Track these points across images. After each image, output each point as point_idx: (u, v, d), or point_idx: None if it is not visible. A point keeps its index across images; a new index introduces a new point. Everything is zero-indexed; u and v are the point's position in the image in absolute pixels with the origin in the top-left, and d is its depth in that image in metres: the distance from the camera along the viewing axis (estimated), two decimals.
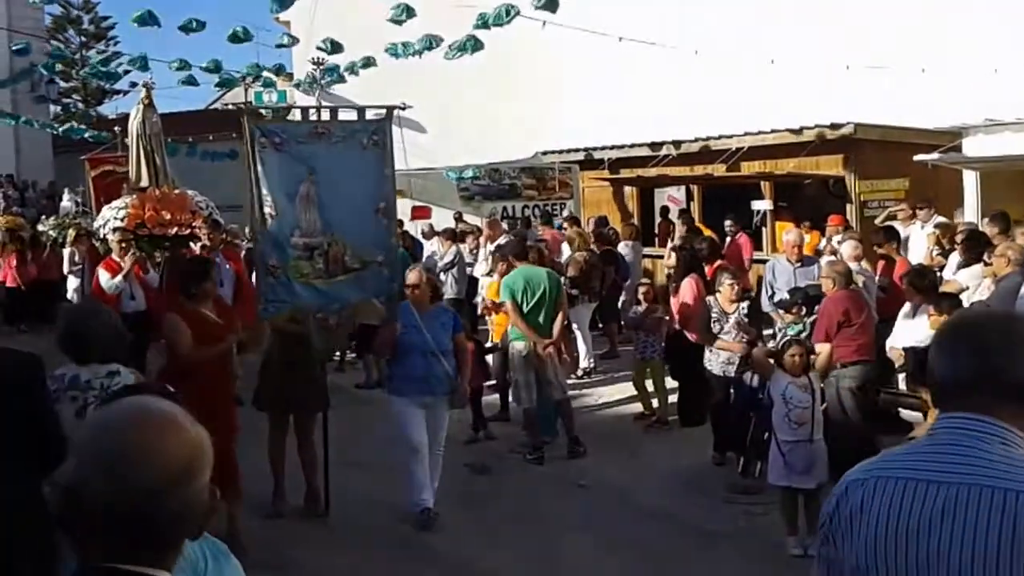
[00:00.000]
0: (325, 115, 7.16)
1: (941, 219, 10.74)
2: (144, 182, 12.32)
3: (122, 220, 11.64)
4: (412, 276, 7.07)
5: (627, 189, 17.33)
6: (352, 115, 7.20)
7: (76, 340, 4.36)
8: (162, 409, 1.67)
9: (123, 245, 10.49)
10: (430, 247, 15.02)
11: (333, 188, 6.76)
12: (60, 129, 25.04)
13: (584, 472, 8.12)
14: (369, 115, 7.20)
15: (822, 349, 7.49)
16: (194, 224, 11.82)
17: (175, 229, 11.69)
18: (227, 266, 10.73)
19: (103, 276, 10.27)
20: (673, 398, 9.56)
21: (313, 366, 7.14)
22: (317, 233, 6.74)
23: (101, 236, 11.99)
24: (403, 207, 19.35)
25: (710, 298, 8.54)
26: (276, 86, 23.52)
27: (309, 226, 6.71)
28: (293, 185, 6.65)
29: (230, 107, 27.06)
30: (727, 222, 13.23)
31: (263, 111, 6.89)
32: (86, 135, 22.30)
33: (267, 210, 6.61)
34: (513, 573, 6.08)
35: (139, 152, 12.47)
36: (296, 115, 6.99)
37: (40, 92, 30.77)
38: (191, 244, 11.75)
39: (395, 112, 7.28)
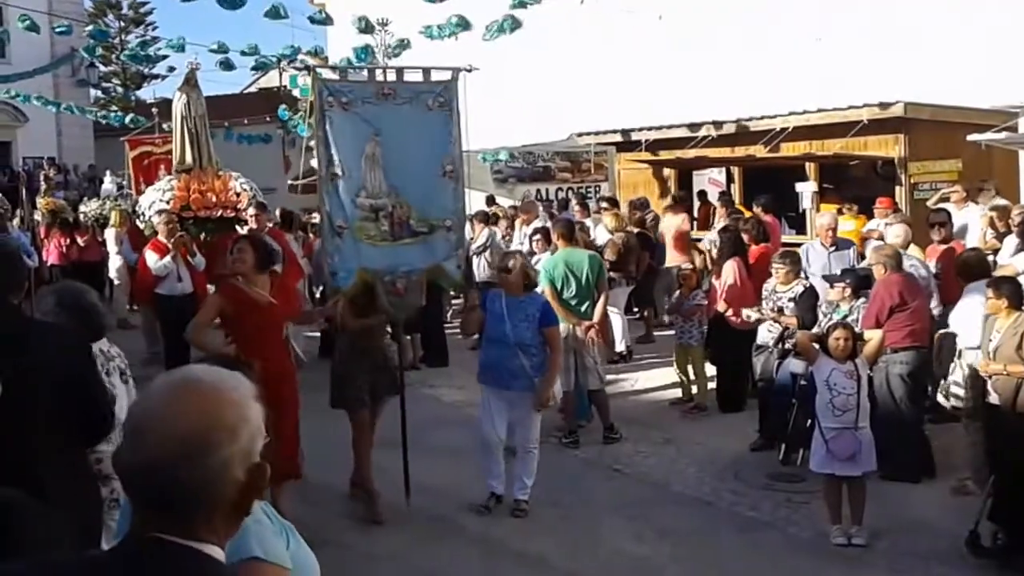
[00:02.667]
0: (391, 76, 7.00)
1: (1001, 201, 10.34)
2: (188, 163, 12.26)
3: (168, 202, 11.66)
4: (508, 260, 6.85)
5: (666, 171, 17.05)
6: (418, 76, 7.01)
7: (89, 315, 4.36)
8: (196, 379, 1.64)
9: (169, 227, 10.52)
10: None
11: (398, 150, 6.66)
12: (100, 115, 25.32)
13: (619, 457, 7.98)
14: (435, 76, 7.00)
15: (872, 335, 7.23)
16: (239, 206, 11.78)
17: (220, 212, 11.67)
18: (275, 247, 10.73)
19: (150, 257, 10.30)
20: (712, 384, 9.41)
21: (383, 351, 6.92)
22: (382, 194, 6.63)
23: (147, 217, 11.97)
24: None
25: (771, 279, 8.44)
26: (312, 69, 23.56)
27: (374, 187, 6.61)
28: (359, 145, 6.57)
29: (273, 89, 27.18)
30: (755, 205, 12.92)
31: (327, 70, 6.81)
32: (126, 120, 22.53)
33: (335, 170, 6.53)
34: (558, 559, 5.96)
35: (183, 133, 12.40)
36: (362, 76, 6.94)
37: (81, 76, 31.13)
38: (237, 227, 11.59)
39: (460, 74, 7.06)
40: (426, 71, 7.00)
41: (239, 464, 1.58)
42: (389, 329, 7.15)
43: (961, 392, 7.20)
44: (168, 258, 10.20)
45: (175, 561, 1.54)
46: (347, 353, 6.78)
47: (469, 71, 6.87)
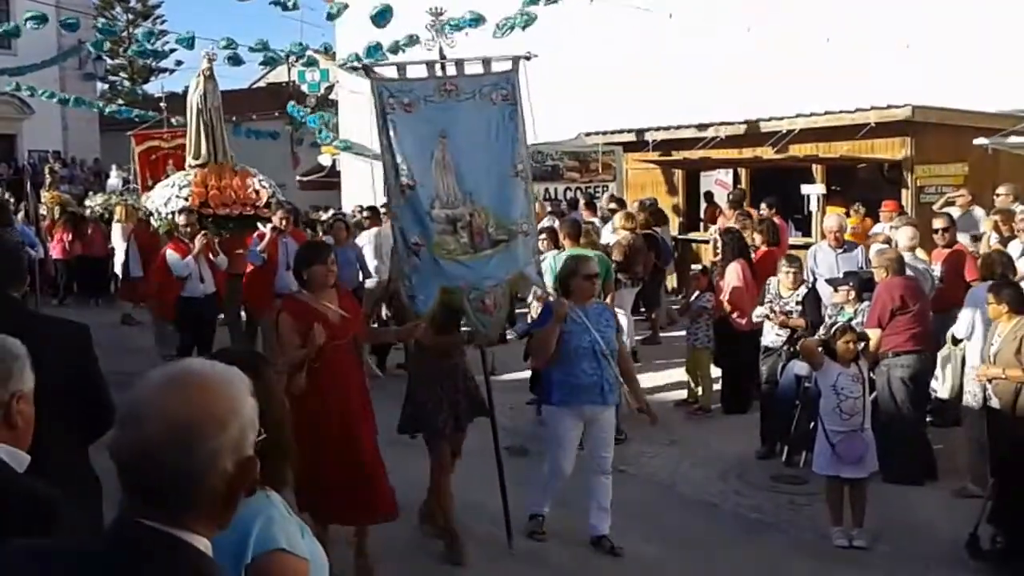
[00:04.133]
0: (450, 70, 6.25)
1: (1013, 206, 10.34)
2: (203, 158, 11.91)
3: (186, 199, 11.24)
4: (592, 264, 6.27)
5: (676, 172, 17.07)
6: (478, 68, 6.31)
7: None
8: (191, 370, 1.69)
9: (189, 229, 10.14)
10: None
11: (468, 151, 6.03)
12: (107, 109, 25.35)
13: (625, 458, 8.00)
14: (495, 67, 6.34)
15: (872, 335, 7.29)
16: (258, 204, 11.43)
17: (239, 210, 11.30)
18: (296, 248, 10.62)
19: (172, 257, 9.94)
20: (717, 386, 9.44)
21: (464, 370, 6.15)
22: (457, 203, 5.98)
23: (163, 215, 11.50)
24: None
25: (772, 279, 8.40)
26: (319, 65, 23.56)
27: (448, 195, 5.96)
28: (427, 150, 5.94)
29: (282, 84, 27.19)
30: (763, 205, 12.94)
31: (378, 68, 6.15)
32: (132, 115, 22.54)
33: (403, 180, 5.87)
34: (560, 559, 5.99)
35: (198, 126, 12.02)
36: (420, 72, 6.07)
37: (88, 70, 31.12)
38: (258, 225, 11.29)
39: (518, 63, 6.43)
40: (486, 62, 6.33)
41: (228, 456, 1.59)
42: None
43: (941, 379, 7.30)
44: (190, 258, 9.86)
45: (156, 547, 1.57)
46: (423, 374, 6.06)
47: (528, 59, 6.30)
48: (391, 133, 5.84)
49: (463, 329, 6.20)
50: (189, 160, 12.18)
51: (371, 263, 11.67)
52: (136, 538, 1.59)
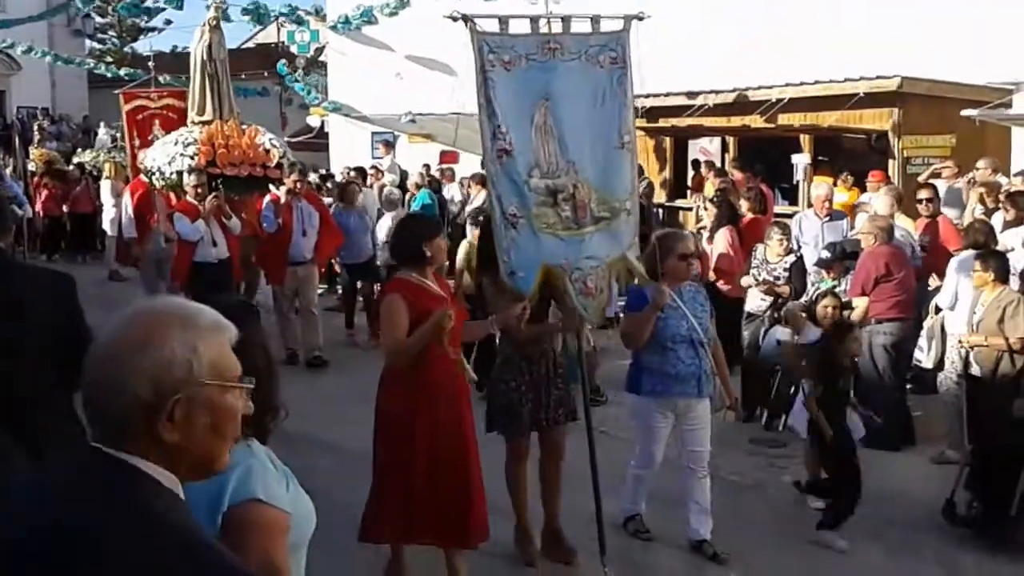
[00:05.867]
0: (556, 26, 5.61)
1: (997, 178, 10.39)
2: (208, 115, 11.31)
3: (192, 157, 10.54)
4: (689, 243, 5.79)
5: (665, 139, 17.03)
6: (585, 26, 5.73)
7: None
8: (140, 304, 1.74)
9: (199, 190, 9.51)
10: (449, 192, 14.91)
11: (571, 117, 5.44)
12: (96, 67, 25.12)
13: (604, 420, 8.04)
14: (604, 27, 5.74)
15: (859, 303, 7.34)
16: (268, 165, 10.79)
17: (248, 171, 10.61)
18: (312, 211, 10.21)
19: (181, 221, 9.37)
20: None
21: (554, 362, 5.57)
22: (560, 172, 5.38)
23: (167, 174, 10.76)
24: (432, 151, 19.34)
25: (759, 246, 8.42)
26: (308, 25, 23.38)
27: (550, 164, 5.36)
28: (527, 113, 5.35)
29: (271, 44, 27.02)
30: (747, 175, 12.92)
31: (479, 20, 5.33)
32: (121, 73, 22.37)
33: (500, 144, 5.29)
34: (540, 517, 5.87)
35: (203, 80, 11.40)
36: (523, 26, 5.49)
37: (76, 27, 30.83)
38: (270, 188, 10.80)
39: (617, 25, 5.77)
40: (595, 20, 5.73)
41: (142, 382, 1.60)
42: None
43: (926, 349, 7.37)
44: (200, 221, 9.28)
45: (103, 466, 1.62)
46: (509, 365, 5.46)
47: (641, 19, 5.67)
48: (490, 92, 5.29)
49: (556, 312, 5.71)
50: (192, 116, 11.59)
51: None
52: (89, 459, 1.64)
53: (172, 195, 10.69)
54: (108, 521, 1.55)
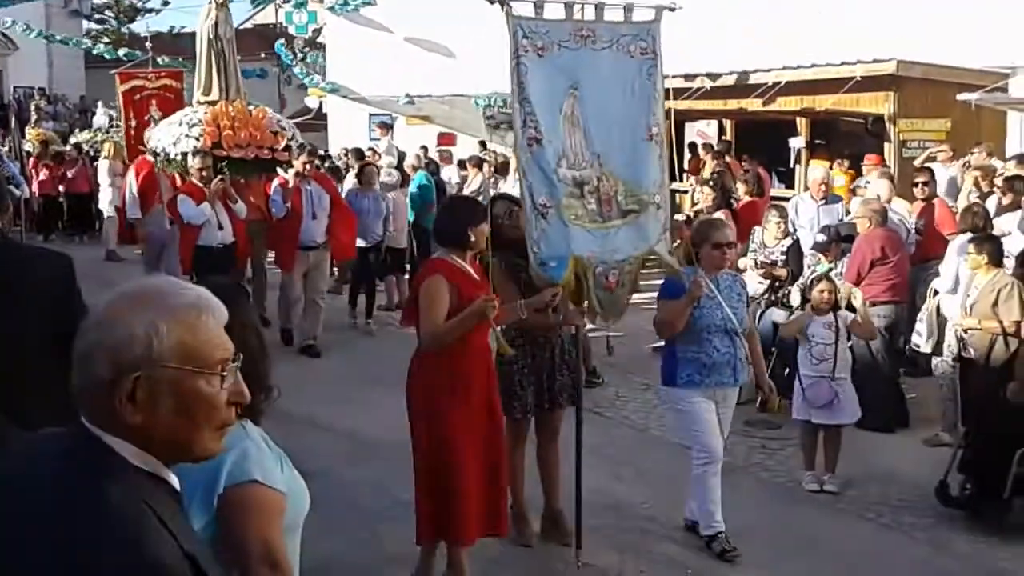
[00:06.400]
0: (588, 13, 5.45)
1: (992, 162, 10.41)
2: (214, 95, 10.98)
3: (198, 138, 10.19)
4: (726, 232, 5.60)
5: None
6: (617, 14, 5.56)
7: None
8: (130, 282, 1.72)
9: (203, 173, 9.22)
10: (447, 174, 14.92)
11: (599, 107, 5.32)
12: (93, 48, 24.97)
13: (600, 401, 8.11)
14: (636, 16, 5.62)
15: (845, 290, 7.42)
16: (276, 147, 10.42)
17: (255, 153, 10.23)
18: (322, 194, 9.89)
19: (186, 204, 9.07)
20: None
21: (560, 347, 5.57)
22: (585, 164, 5.29)
23: (171, 156, 10.41)
24: (430, 133, 19.34)
25: (756, 228, 8.45)
26: (307, 6, 23.30)
27: (576, 155, 5.25)
28: (557, 102, 5.22)
29: (269, 26, 26.99)
30: (744, 157, 12.96)
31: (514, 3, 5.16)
32: (119, 53, 22.26)
33: (531, 132, 5.14)
34: (536, 498, 5.89)
35: (209, 58, 11.00)
36: (557, 11, 5.36)
37: (73, 7, 30.66)
38: (278, 170, 10.41)
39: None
40: (627, 8, 5.59)
41: (102, 358, 1.58)
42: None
43: (924, 334, 7.41)
44: (206, 204, 9.04)
45: (74, 439, 1.62)
46: (513, 347, 5.37)
47: (673, 10, 5.56)
48: (523, 78, 5.13)
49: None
50: (198, 96, 11.28)
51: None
52: (69, 432, 1.64)
53: (177, 176, 10.50)
54: (49, 486, 1.55)
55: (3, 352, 3.56)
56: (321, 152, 17.94)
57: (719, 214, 9.14)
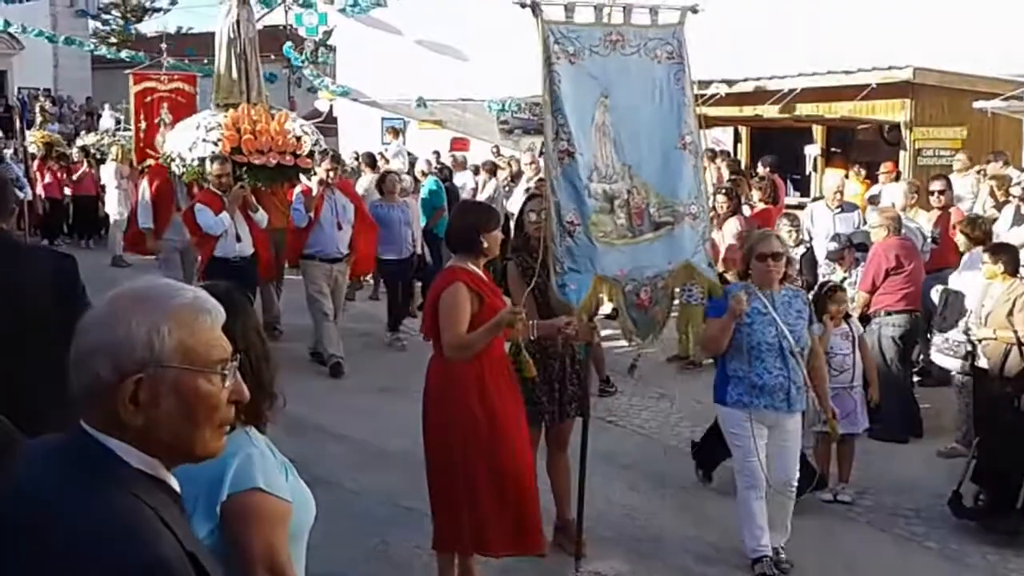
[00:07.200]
0: (616, 17, 5.18)
1: (1008, 172, 10.35)
2: (233, 97, 10.37)
3: (216, 143, 9.62)
4: (771, 242, 5.27)
5: None
6: (644, 18, 5.31)
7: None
8: (128, 284, 1.71)
9: (222, 179, 8.72)
10: (460, 180, 14.83)
11: (629, 116, 5.08)
12: (97, 49, 24.91)
13: (614, 410, 8.08)
14: (662, 18, 5.39)
15: (860, 298, 7.38)
16: (298, 153, 9.84)
17: (277, 159, 9.69)
18: (347, 204, 9.37)
19: (203, 213, 8.51)
20: None
21: (572, 357, 5.46)
22: (616, 176, 5.04)
23: (187, 161, 9.83)
24: (442, 137, 19.30)
25: None
26: (316, 8, 23.24)
27: (607, 167, 5.01)
28: (588, 112, 4.97)
29: (278, 27, 26.95)
30: (760, 164, 12.89)
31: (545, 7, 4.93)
32: (123, 55, 22.19)
33: (563, 144, 4.87)
34: (546, 502, 5.93)
35: (228, 59, 10.40)
36: (587, 15, 5.09)
37: (79, 7, 30.60)
38: (301, 177, 9.84)
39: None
40: (653, 11, 5.34)
41: (102, 358, 1.58)
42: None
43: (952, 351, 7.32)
44: (224, 213, 8.50)
45: (73, 441, 1.62)
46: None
47: (696, 12, 5.34)
48: (555, 87, 4.88)
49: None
50: (216, 99, 10.69)
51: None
52: (70, 435, 1.64)
53: (193, 184, 9.93)
54: (49, 491, 1.55)
55: (6, 351, 3.57)
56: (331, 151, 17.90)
57: (732, 221, 9.10)
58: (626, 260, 5.02)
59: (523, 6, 4.86)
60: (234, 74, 10.38)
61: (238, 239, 8.58)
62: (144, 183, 10.71)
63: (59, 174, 17.12)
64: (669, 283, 5.22)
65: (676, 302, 9.47)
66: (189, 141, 9.86)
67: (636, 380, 8.84)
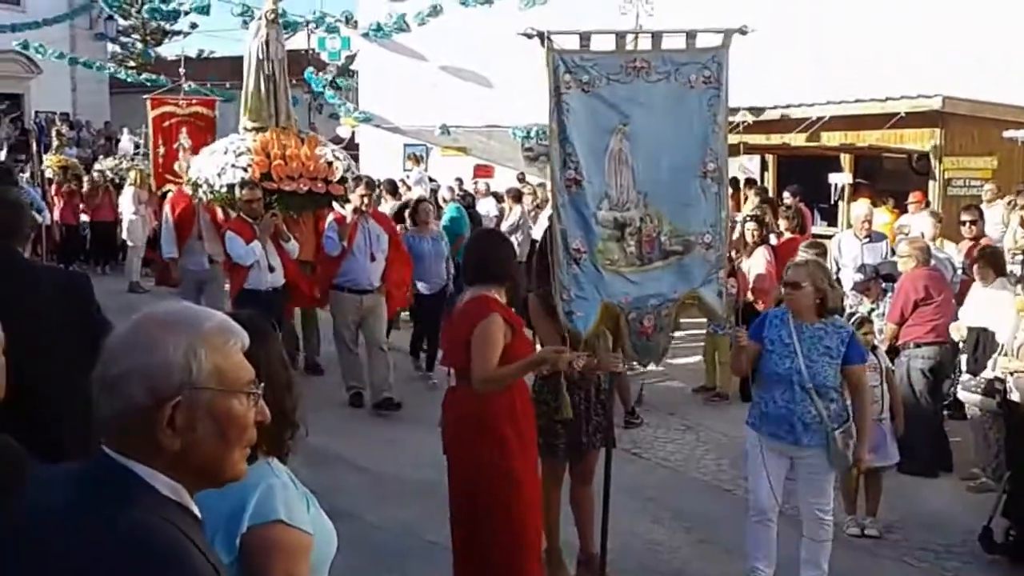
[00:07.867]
0: (643, 43, 5.13)
1: None
2: (262, 120, 10.03)
3: (245, 168, 9.34)
4: (799, 272, 5.22)
5: None
6: (679, 42, 5.20)
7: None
8: (149, 309, 1.72)
9: (253, 205, 8.41)
10: (484, 207, 14.79)
11: (649, 143, 5.02)
12: (116, 72, 24.95)
13: (639, 442, 8.01)
14: (700, 42, 5.25)
15: (888, 330, 7.29)
16: (330, 179, 9.56)
17: (308, 186, 9.40)
18: (381, 233, 8.91)
19: (234, 242, 8.20)
20: None
21: (595, 387, 5.42)
22: (629, 204, 5.00)
23: (216, 187, 9.55)
24: (466, 164, 19.29)
25: None
26: (340, 32, 23.29)
27: (620, 194, 4.98)
28: (602, 139, 4.95)
29: (300, 51, 27.20)
30: (785, 193, 12.81)
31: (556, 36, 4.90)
32: (142, 78, 22.29)
33: (570, 173, 4.90)
34: (569, 536, 5.77)
35: (257, 80, 10.04)
36: (607, 43, 5.05)
37: (99, 29, 30.71)
38: (333, 205, 9.55)
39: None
40: (690, 36, 5.20)
41: (136, 382, 1.58)
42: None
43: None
44: (256, 243, 8.18)
45: (100, 469, 1.61)
46: (549, 383, 5.22)
47: (744, 33, 5.21)
48: (563, 117, 4.87)
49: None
50: (244, 123, 10.26)
51: None
52: (94, 463, 1.64)
53: (219, 210, 9.66)
54: (76, 513, 1.55)
55: (21, 371, 3.53)
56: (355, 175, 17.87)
57: (761, 250, 9.03)
58: (632, 288, 5.03)
59: (530, 37, 4.86)
60: (262, 96, 10.10)
61: (271, 269, 8.30)
62: (167, 209, 10.51)
63: (74, 199, 16.90)
64: (672, 311, 5.18)
65: (704, 332, 9.44)
66: (218, 166, 9.59)
67: (655, 403, 8.73)
